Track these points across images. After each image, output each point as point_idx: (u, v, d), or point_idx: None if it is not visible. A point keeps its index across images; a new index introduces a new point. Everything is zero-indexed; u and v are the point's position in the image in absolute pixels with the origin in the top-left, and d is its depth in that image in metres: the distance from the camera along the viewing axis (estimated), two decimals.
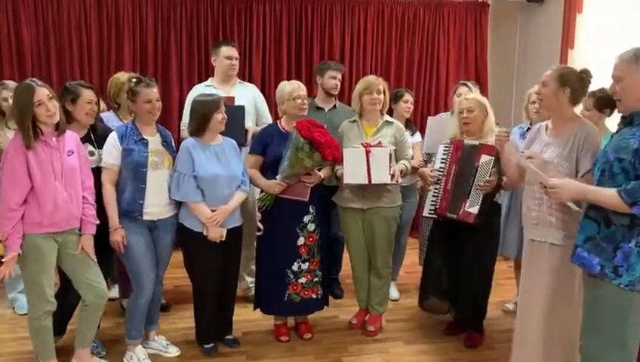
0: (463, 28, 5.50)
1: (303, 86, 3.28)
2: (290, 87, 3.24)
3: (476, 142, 3.13)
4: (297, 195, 3.17)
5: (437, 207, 3.21)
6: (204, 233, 2.95)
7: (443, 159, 3.23)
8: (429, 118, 4.00)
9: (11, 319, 3.62)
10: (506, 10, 5.59)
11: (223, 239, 2.98)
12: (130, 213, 2.88)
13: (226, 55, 3.83)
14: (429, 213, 3.25)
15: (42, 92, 2.56)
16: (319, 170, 3.22)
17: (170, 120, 4.62)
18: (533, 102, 3.52)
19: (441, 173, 3.22)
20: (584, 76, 2.56)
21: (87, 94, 2.90)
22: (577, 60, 4.73)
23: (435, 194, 3.23)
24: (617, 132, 2.20)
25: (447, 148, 3.24)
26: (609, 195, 2.04)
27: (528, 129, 3.56)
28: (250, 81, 4.63)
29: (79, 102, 2.88)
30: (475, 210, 3.07)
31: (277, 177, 3.15)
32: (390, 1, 5.31)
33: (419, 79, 5.47)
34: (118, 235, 2.85)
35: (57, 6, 4.66)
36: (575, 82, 2.54)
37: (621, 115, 2.23)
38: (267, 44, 5.09)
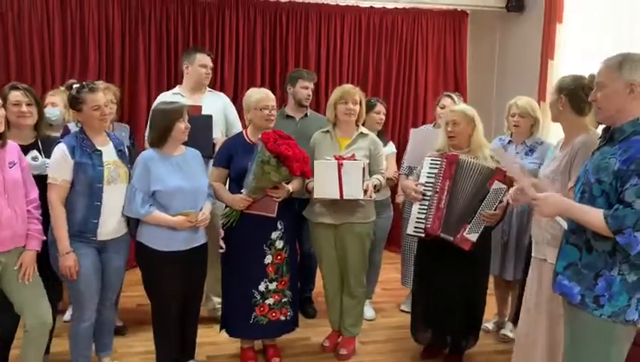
0: (441, 37, 5.38)
1: (271, 95, 3.10)
2: (258, 96, 3.06)
3: (491, 165, 2.89)
4: (264, 210, 2.98)
5: (427, 226, 2.98)
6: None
7: (431, 174, 3.01)
8: (412, 130, 3.85)
9: None
10: (485, 19, 5.51)
11: (193, 222, 2.76)
12: (82, 234, 2.64)
13: (201, 63, 3.65)
14: (415, 231, 3.02)
15: None
16: (287, 183, 3.03)
17: (138, 128, 4.40)
18: (513, 115, 3.39)
19: (429, 189, 3.00)
20: (581, 82, 2.41)
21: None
22: (557, 71, 4.64)
23: (423, 211, 3.00)
24: (598, 149, 2.04)
25: (436, 162, 3.00)
26: (594, 216, 1.88)
27: (510, 142, 3.44)
28: (222, 89, 4.45)
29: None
30: (474, 237, 2.89)
31: (242, 191, 2.96)
32: (367, 8, 5.16)
33: (397, 89, 5.33)
34: (69, 260, 2.60)
35: (17, 8, 4.42)
36: (571, 89, 2.40)
37: (602, 129, 2.09)
38: (240, 52, 4.90)
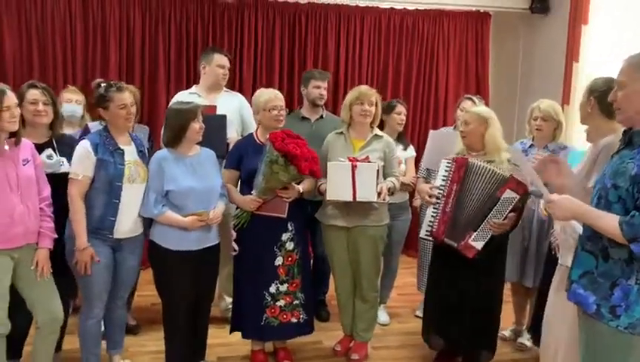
0: (463, 38, 5.29)
1: (280, 95, 3.08)
2: (267, 97, 3.04)
3: (505, 174, 2.79)
4: (274, 211, 2.96)
5: (433, 230, 2.95)
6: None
7: (444, 177, 2.95)
8: (431, 131, 3.79)
9: None
10: (508, 20, 5.40)
11: (205, 220, 2.76)
12: (99, 231, 2.66)
13: (219, 63, 3.65)
14: (425, 235, 2.99)
15: (12, 97, 2.39)
16: (298, 183, 3.00)
17: (157, 129, 4.41)
18: (535, 119, 3.31)
19: (441, 192, 2.95)
20: (612, 85, 2.33)
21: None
22: (582, 74, 4.53)
23: (434, 215, 2.96)
24: (618, 152, 1.96)
25: (449, 165, 2.95)
26: (609, 222, 1.80)
27: (531, 145, 3.36)
28: (240, 90, 4.44)
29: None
30: (479, 245, 2.81)
31: (252, 192, 2.94)
32: (388, 9, 5.11)
33: (417, 91, 5.26)
34: (86, 255, 2.62)
35: (41, 8, 4.48)
36: (602, 91, 2.33)
37: (622, 132, 2.00)
38: (259, 52, 4.90)
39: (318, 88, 3.70)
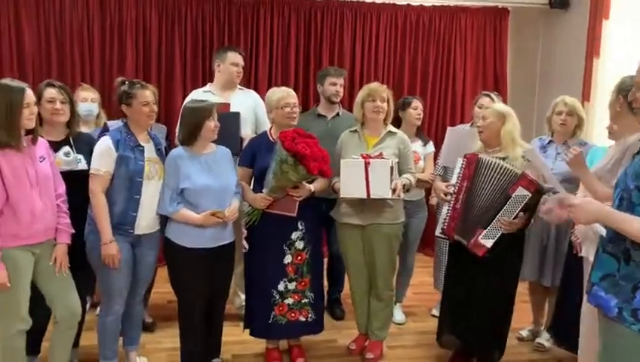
0: (481, 35, 5.23)
1: (292, 93, 3.07)
2: (279, 95, 3.03)
3: (517, 171, 2.74)
4: (285, 210, 2.95)
5: (444, 227, 2.95)
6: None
7: (458, 174, 2.95)
8: (449, 128, 3.74)
9: None
10: (527, 16, 5.32)
11: (223, 218, 2.76)
12: (120, 226, 2.69)
13: (233, 61, 3.65)
14: (440, 233, 2.99)
15: (32, 95, 2.43)
16: (310, 182, 2.99)
17: (174, 126, 4.43)
18: (560, 113, 3.25)
19: (454, 189, 2.94)
20: None
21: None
22: (603, 70, 4.44)
23: (447, 212, 2.96)
24: (639, 153, 1.91)
25: (462, 162, 2.95)
26: (633, 225, 1.74)
27: (550, 142, 3.30)
28: (256, 88, 4.44)
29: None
30: (489, 243, 2.77)
31: (263, 190, 2.94)
32: (404, 6, 5.07)
33: (434, 89, 5.21)
34: (112, 249, 2.65)
35: (59, 8, 4.54)
36: (629, 90, 2.27)
37: None
38: (274, 50, 4.90)
39: (334, 85, 3.69)
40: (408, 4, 5.07)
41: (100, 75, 4.66)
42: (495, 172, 2.78)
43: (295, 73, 4.95)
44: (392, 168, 2.90)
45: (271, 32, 4.87)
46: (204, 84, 4.67)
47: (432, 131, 5.13)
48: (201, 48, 4.79)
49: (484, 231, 2.77)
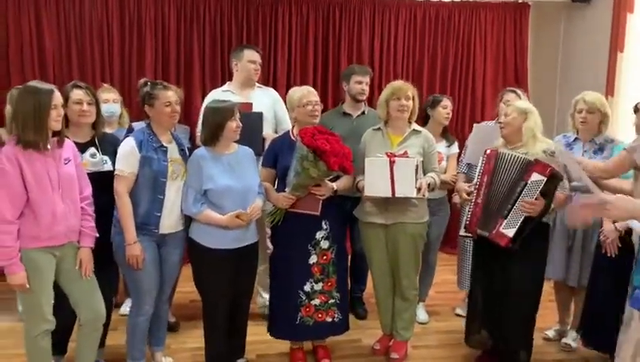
0: (501, 30, 5.17)
1: (313, 91, 3.06)
2: (300, 93, 3.02)
3: (530, 157, 2.76)
4: (308, 209, 2.93)
5: (466, 223, 2.94)
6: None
7: (479, 170, 2.95)
8: (475, 125, 3.70)
9: (20, 333, 3.45)
10: (548, 10, 5.25)
11: (245, 221, 2.75)
12: (145, 226, 2.70)
13: (250, 59, 3.64)
14: (464, 232, 2.98)
15: (59, 97, 2.45)
16: (333, 180, 2.96)
17: (192, 126, 4.44)
18: (580, 111, 3.19)
19: (475, 186, 2.93)
20: None
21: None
22: (627, 64, 4.36)
23: (469, 209, 2.95)
24: None
25: (483, 159, 2.95)
26: None
27: (575, 139, 3.25)
28: (274, 86, 4.43)
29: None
30: (511, 232, 2.75)
31: (286, 189, 2.93)
32: (423, 2, 5.02)
33: (453, 85, 5.16)
34: (136, 249, 2.67)
35: (79, 10, 4.57)
36: None
37: None
38: (293, 48, 4.89)
39: (360, 83, 3.66)
40: (427, 0, 5.03)
41: (120, 76, 4.68)
42: (510, 163, 2.80)
43: (314, 71, 4.94)
44: (417, 167, 2.88)
45: (289, 31, 4.86)
46: (222, 84, 4.66)
47: (451, 128, 5.04)
48: (220, 47, 4.80)
49: (505, 221, 2.78)
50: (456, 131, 5.05)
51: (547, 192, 2.72)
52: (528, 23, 5.22)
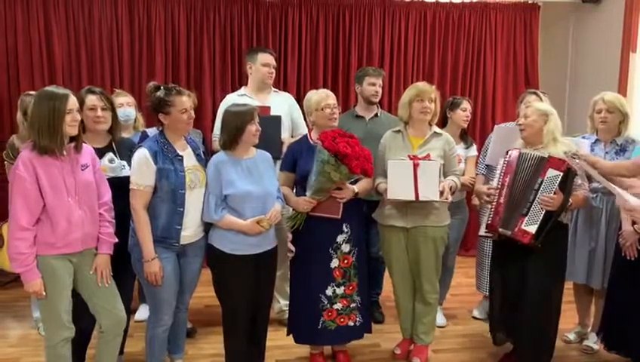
0: (511, 31, 5.15)
1: (331, 94, 3.03)
2: (318, 97, 2.99)
3: (544, 154, 2.80)
4: (328, 212, 2.90)
5: (488, 222, 2.92)
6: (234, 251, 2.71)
7: (501, 171, 2.95)
8: (496, 126, 3.68)
9: (35, 340, 3.43)
10: (558, 11, 5.24)
11: (266, 228, 2.72)
12: (165, 240, 2.63)
13: (264, 62, 3.61)
14: (485, 232, 2.97)
15: (75, 102, 2.39)
16: (353, 183, 2.94)
17: (203, 130, 4.42)
18: (599, 111, 3.17)
19: (498, 185, 2.94)
20: None
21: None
22: None
23: (491, 209, 2.95)
24: None
25: (504, 160, 2.96)
26: None
27: (596, 140, 3.23)
28: (285, 89, 4.41)
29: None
30: (532, 228, 2.75)
31: (306, 193, 2.90)
32: (433, 3, 5.00)
33: (464, 86, 5.14)
34: (155, 266, 2.59)
35: (89, 15, 4.55)
36: None
37: None
38: (303, 51, 4.86)
39: (373, 85, 3.63)
40: (437, 2, 5.01)
41: (130, 80, 4.66)
42: (528, 161, 2.84)
43: (324, 73, 4.91)
44: (440, 170, 2.85)
45: (299, 33, 4.84)
46: (233, 87, 4.67)
47: None
48: (230, 50, 4.77)
49: (526, 218, 2.79)
50: (467, 131, 5.04)
51: (564, 186, 2.74)
52: (538, 24, 5.20)
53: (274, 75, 3.70)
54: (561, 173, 2.72)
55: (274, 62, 3.68)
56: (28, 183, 2.32)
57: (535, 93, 3.53)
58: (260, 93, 3.65)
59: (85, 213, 2.46)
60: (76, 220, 2.42)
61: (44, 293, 2.39)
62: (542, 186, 2.77)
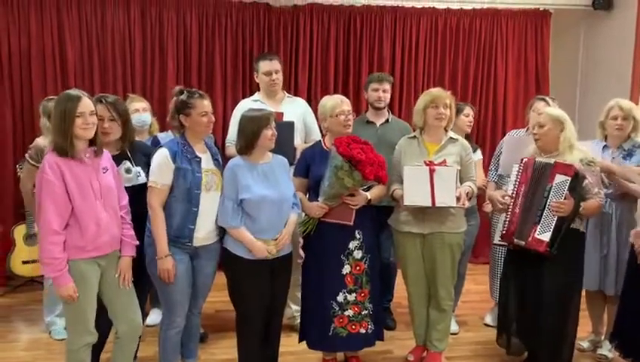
0: (522, 38, 5.14)
1: (346, 100, 3.02)
2: (333, 103, 2.99)
3: (550, 160, 2.81)
4: (341, 219, 2.89)
5: (503, 232, 2.91)
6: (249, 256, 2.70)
7: (515, 181, 2.94)
8: (507, 135, 3.68)
9: (47, 344, 3.44)
10: (568, 18, 5.23)
11: (272, 253, 2.71)
12: (178, 239, 2.64)
13: (264, 71, 3.60)
14: (500, 240, 2.96)
15: (88, 105, 2.38)
16: (366, 189, 2.93)
17: (215, 135, 4.42)
18: (615, 118, 3.17)
19: (512, 195, 2.93)
20: None
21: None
22: None
23: (506, 218, 2.93)
24: None
25: (519, 168, 2.94)
26: None
27: (605, 146, 3.22)
28: (295, 95, 4.40)
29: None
30: (546, 236, 2.74)
31: (318, 199, 2.90)
32: (444, 10, 5.00)
33: (474, 93, 5.13)
34: (168, 263, 2.61)
35: (101, 20, 4.56)
36: None
37: None
38: (314, 57, 4.86)
39: (375, 91, 3.62)
40: (448, 8, 5.01)
41: (142, 85, 4.66)
42: (539, 169, 2.84)
43: (334, 80, 4.91)
44: (456, 175, 2.85)
45: (310, 39, 4.84)
46: (244, 92, 4.68)
47: (473, 135, 5.03)
48: (242, 56, 4.78)
49: (539, 227, 2.78)
50: (476, 137, 5.03)
51: (574, 191, 2.74)
52: (550, 31, 5.19)
53: (280, 80, 3.65)
54: (570, 178, 2.72)
55: (276, 67, 3.63)
56: (57, 187, 2.33)
57: (544, 100, 3.52)
58: (272, 99, 3.65)
59: (110, 215, 2.47)
60: (104, 223, 2.43)
61: (76, 297, 2.38)
62: (551, 192, 2.76)
